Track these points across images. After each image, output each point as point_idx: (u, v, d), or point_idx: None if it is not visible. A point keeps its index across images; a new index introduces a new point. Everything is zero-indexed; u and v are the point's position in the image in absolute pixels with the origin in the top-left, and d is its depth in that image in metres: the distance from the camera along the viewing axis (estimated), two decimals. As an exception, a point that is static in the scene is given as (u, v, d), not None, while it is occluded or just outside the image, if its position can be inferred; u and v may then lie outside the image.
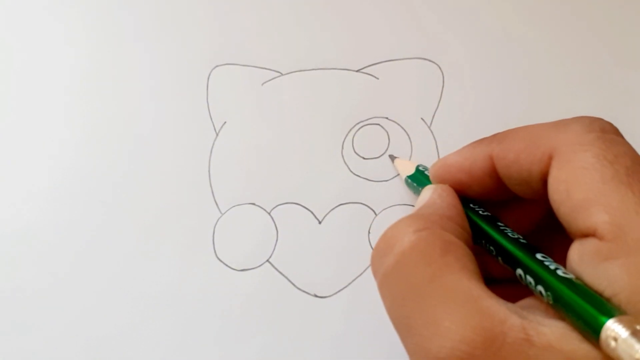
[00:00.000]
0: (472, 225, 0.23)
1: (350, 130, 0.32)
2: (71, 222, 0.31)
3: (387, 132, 0.32)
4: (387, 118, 0.32)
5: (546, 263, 0.19)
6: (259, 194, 0.31)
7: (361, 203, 0.31)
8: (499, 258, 0.21)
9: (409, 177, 0.29)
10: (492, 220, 0.22)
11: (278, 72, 0.33)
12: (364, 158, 0.32)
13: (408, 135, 0.32)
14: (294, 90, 0.32)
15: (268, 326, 0.30)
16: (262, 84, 0.33)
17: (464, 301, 0.17)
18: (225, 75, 0.33)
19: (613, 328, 0.15)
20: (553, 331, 0.16)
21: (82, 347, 0.30)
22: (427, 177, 0.27)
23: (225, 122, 0.32)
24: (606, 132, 0.20)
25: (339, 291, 0.30)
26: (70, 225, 0.31)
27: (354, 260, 0.30)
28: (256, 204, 0.31)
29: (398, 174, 0.31)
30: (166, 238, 0.31)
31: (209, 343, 0.30)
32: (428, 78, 0.32)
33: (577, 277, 0.18)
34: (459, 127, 0.32)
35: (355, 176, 0.31)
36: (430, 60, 0.32)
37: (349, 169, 0.32)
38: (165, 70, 0.33)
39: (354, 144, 0.32)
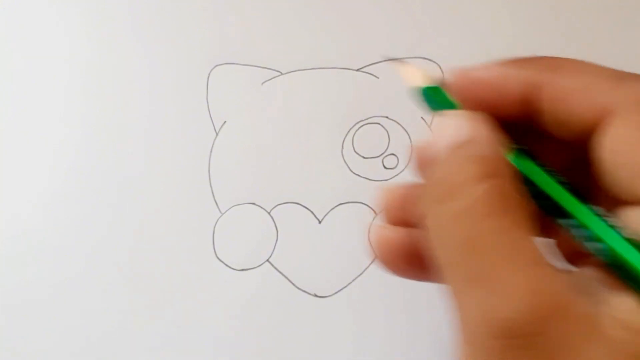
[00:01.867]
0: (526, 174, 0.20)
1: (351, 129, 0.32)
2: (71, 222, 0.31)
3: (387, 131, 0.32)
4: (387, 117, 0.32)
5: (606, 219, 0.17)
6: (259, 193, 0.31)
7: (361, 202, 0.31)
8: (544, 206, 0.19)
9: (424, 91, 0.22)
10: (539, 164, 0.20)
11: (278, 71, 0.33)
12: (364, 157, 0.32)
13: (408, 134, 0.32)
14: (294, 90, 0.32)
15: (268, 325, 0.30)
16: (262, 83, 0.32)
17: (533, 263, 0.16)
18: (225, 75, 0.33)
19: None
20: (622, 306, 0.15)
21: (83, 346, 0.30)
22: (444, 94, 0.21)
23: (225, 122, 0.32)
24: None
25: (339, 291, 0.30)
26: (70, 225, 0.31)
27: (354, 260, 0.30)
28: (256, 203, 0.31)
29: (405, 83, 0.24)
30: (166, 238, 0.31)
31: (209, 343, 0.30)
32: (428, 77, 0.32)
33: None
34: (459, 126, 0.32)
35: (355, 175, 0.31)
36: (430, 60, 0.32)
37: (349, 168, 0.31)
38: (165, 70, 0.33)
39: (354, 143, 0.32)
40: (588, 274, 0.17)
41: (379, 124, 0.32)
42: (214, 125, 0.32)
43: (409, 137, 0.32)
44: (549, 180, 0.19)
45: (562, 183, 0.19)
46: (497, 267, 0.16)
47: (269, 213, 0.31)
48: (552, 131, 0.20)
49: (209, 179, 0.32)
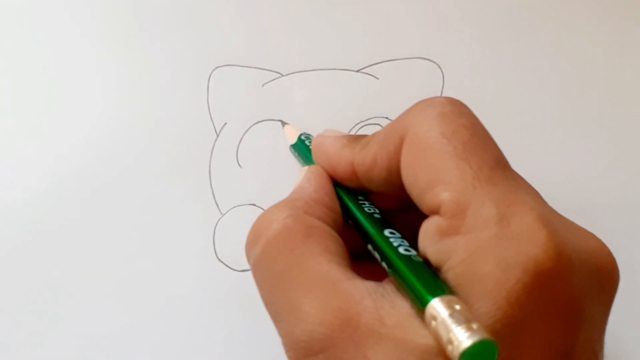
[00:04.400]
0: (341, 204, 0.23)
1: (351, 130, 0.32)
2: (71, 222, 0.31)
3: (388, 132, 0.32)
4: (387, 118, 0.32)
5: (391, 240, 0.19)
6: (259, 194, 0.31)
7: (362, 203, 0.31)
8: (358, 232, 0.21)
9: (292, 146, 0.28)
10: (353, 195, 0.22)
11: (278, 73, 0.33)
12: (364, 158, 0.32)
13: (408, 135, 0.32)
14: (294, 91, 0.32)
15: (269, 327, 0.30)
16: (263, 85, 0.33)
17: (323, 285, 0.18)
18: (225, 77, 0.33)
19: (435, 307, 0.16)
20: (403, 311, 0.17)
21: (82, 347, 0.30)
22: (308, 148, 0.26)
23: (225, 123, 0.32)
24: (445, 107, 0.20)
25: (339, 292, 0.30)
26: (69, 225, 0.31)
27: (354, 260, 0.30)
28: (257, 204, 0.31)
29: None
30: (167, 239, 0.31)
31: (210, 344, 0.30)
32: (428, 78, 0.32)
33: (423, 250, 0.18)
34: (459, 126, 0.32)
35: (356, 176, 0.31)
36: (430, 60, 0.32)
37: (349, 169, 0.31)
38: (166, 72, 0.33)
39: (355, 145, 0.32)
40: (389, 284, 0.19)
41: (379, 125, 0.32)
42: (214, 127, 0.32)
43: (409, 138, 0.32)
44: (360, 214, 0.21)
45: (371, 216, 0.21)
46: (294, 297, 0.18)
47: (269, 214, 0.31)
48: (386, 192, 0.22)
49: (210, 180, 0.32)
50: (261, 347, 0.30)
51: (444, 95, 0.32)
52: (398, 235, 0.20)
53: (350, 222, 0.22)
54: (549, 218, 0.17)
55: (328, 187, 0.23)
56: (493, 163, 0.18)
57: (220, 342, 0.30)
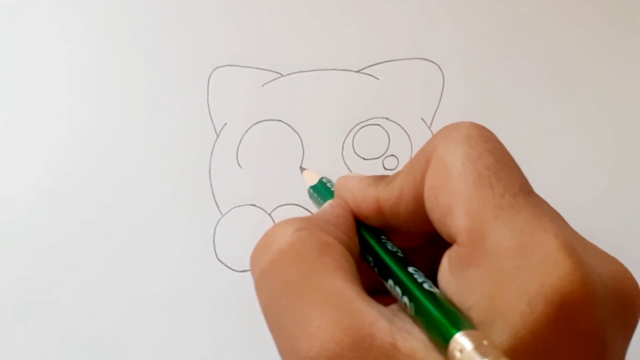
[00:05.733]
0: (361, 240, 0.23)
1: (351, 130, 0.32)
2: (72, 221, 0.31)
3: (388, 133, 0.32)
4: (387, 118, 0.32)
5: (415, 276, 0.19)
6: (259, 195, 0.31)
7: (362, 204, 0.31)
8: (376, 269, 0.22)
9: (312, 187, 0.29)
10: (375, 233, 0.23)
11: (279, 73, 0.33)
12: (364, 159, 0.32)
13: (408, 135, 0.32)
14: (294, 92, 0.32)
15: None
16: (263, 85, 0.33)
17: (336, 301, 0.17)
18: (225, 77, 0.33)
19: (460, 341, 0.16)
20: (418, 340, 0.17)
21: (83, 346, 0.30)
22: (329, 190, 0.27)
23: (226, 124, 0.32)
24: (471, 131, 0.19)
25: (339, 292, 0.30)
26: (71, 225, 0.31)
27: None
28: (257, 205, 0.31)
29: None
30: (167, 239, 0.31)
31: (210, 343, 0.30)
32: (428, 78, 0.32)
33: (445, 285, 0.19)
34: (459, 127, 0.32)
35: (356, 177, 0.31)
36: (430, 60, 0.32)
37: (349, 169, 0.32)
38: (166, 72, 0.33)
39: (355, 145, 0.32)
40: (401, 308, 0.19)
41: (379, 125, 0.32)
42: (214, 127, 0.32)
43: (409, 139, 0.32)
44: (383, 250, 0.21)
45: (391, 253, 0.21)
46: (304, 310, 0.17)
47: (269, 214, 0.31)
48: (412, 230, 0.22)
49: (210, 180, 0.32)
50: (261, 346, 0.30)
51: (443, 96, 0.32)
52: (421, 273, 0.20)
53: (370, 258, 0.22)
54: (573, 245, 0.17)
55: (349, 218, 0.22)
56: (516, 190, 0.18)
57: (221, 342, 0.30)
